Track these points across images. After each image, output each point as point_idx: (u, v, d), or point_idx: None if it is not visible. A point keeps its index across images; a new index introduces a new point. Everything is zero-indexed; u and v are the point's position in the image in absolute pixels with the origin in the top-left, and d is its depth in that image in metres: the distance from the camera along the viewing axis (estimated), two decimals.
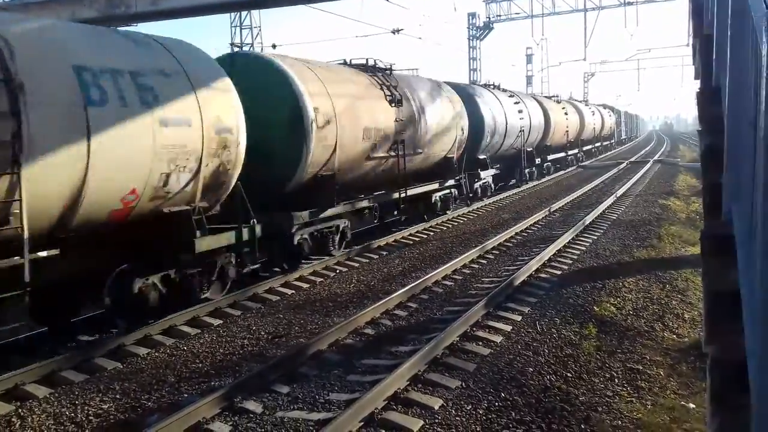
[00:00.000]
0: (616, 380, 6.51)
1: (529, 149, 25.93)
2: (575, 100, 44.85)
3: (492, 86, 24.15)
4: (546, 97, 34.46)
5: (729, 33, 2.66)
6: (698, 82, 5.12)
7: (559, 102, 34.18)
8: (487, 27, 40.66)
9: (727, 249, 2.31)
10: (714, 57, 3.86)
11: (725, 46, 2.88)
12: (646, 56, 77.97)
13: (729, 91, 2.73)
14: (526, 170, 25.93)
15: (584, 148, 40.72)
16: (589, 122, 40.27)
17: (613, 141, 58.29)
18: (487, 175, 20.99)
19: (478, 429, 5.37)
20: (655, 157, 43.84)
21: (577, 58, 54.25)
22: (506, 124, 22.18)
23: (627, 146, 67.25)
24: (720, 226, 2.62)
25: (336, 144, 11.52)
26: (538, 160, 27.78)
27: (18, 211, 6.04)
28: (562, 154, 33.86)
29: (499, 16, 40.37)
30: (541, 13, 39.41)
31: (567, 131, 33.54)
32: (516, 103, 24.30)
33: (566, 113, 33.88)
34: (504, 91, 24.78)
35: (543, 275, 10.73)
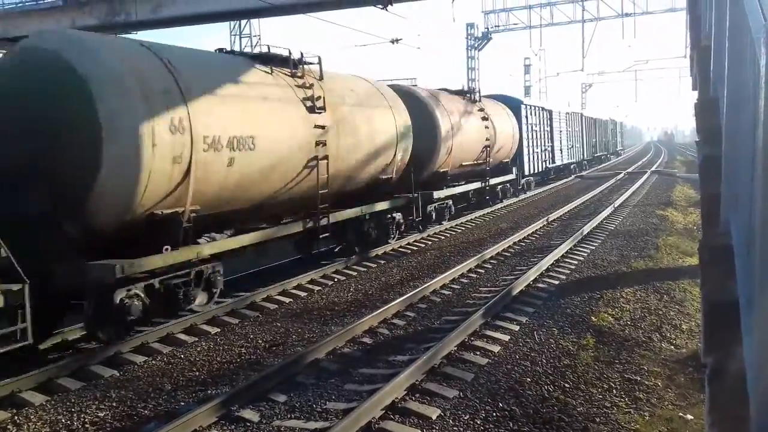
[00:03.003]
0: (614, 391, 6.50)
1: None
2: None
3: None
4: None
5: (727, 44, 2.68)
6: (696, 93, 5.14)
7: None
8: (486, 38, 40.84)
9: (725, 259, 2.31)
10: (712, 68, 3.88)
11: (723, 58, 2.90)
12: (643, 67, 78.20)
13: (727, 101, 2.74)
14: None
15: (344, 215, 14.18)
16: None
17: (507, 178, 23.30)
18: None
19: None
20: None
21: (575, 69, 53.61)
22: None
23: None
24: (718, 236, 2.62)
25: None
26: None
27: None
28: None
29: (498, 26, 40.53)
30: (539, 24, 39.60)
31: None
32: None
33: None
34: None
35: (541, 285, 10.73)
